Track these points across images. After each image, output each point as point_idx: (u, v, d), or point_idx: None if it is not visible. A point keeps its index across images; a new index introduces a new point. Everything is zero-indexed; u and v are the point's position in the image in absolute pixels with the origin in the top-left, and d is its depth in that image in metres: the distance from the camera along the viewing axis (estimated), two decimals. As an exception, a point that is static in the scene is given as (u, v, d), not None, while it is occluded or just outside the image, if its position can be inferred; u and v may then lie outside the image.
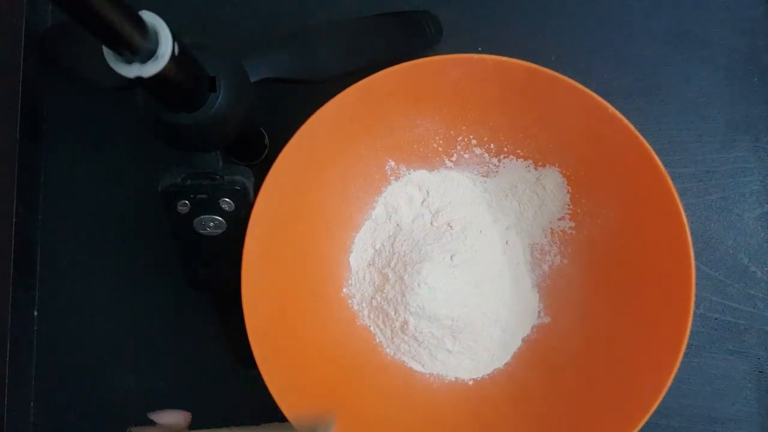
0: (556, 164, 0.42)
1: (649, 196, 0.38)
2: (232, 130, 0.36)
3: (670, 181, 0.37)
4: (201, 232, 0.40)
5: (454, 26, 0.46)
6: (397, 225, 0.44)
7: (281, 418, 0.37)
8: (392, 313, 0.42)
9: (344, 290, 0.44)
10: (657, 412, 0.36)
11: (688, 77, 0.47)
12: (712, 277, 0.46)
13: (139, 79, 0.27)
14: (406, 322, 0.41)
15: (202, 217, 0.39)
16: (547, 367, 0.42)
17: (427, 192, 0.44)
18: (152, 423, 0.33)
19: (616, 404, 0.38)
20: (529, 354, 0.43)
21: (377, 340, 0.43)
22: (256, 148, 0.45)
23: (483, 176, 0.44)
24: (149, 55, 0.27)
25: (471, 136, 0.43)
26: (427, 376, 0.43)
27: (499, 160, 0.44)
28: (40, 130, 0.48)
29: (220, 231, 0.40)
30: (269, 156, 0.45)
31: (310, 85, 0.41)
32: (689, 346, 0.40)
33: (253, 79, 0.38)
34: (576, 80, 0.38)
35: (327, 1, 0.48)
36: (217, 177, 0.38)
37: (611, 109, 0.38)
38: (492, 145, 0.43)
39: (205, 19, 0.48)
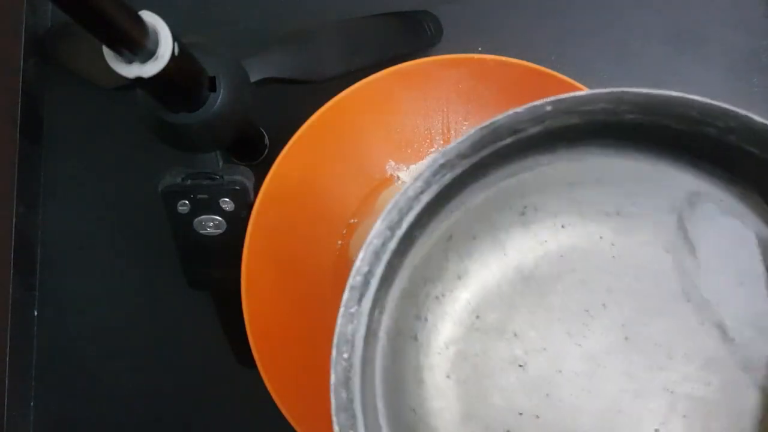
0: (556, 164, 0.42)
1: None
2: (232, 130, 0.36)
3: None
4: (201, 232, 0.40)
5: (454, 26, 0.46)
6: (397, 225, 0.44)
7: (281, 418, 0.37)
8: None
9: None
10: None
11: (688, 77, 0.47)
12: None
13: (139, 79, 0.27)
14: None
15: (202, 217, 0.39)
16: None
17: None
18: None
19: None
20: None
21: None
22: (256, 148, 0.45)
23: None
24: (149, 55, 0.27)
25: (471, 136, 0.43)
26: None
27: (499, 160, 0.44)
28: (41, 130, 0.48)
29: (220, 231, 0.40)
30: (269, 156, 0.45)
31: (310, 85, 0.41)
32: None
33: (253, 79, 0.38)
34: (576, 80, 0.38)
35: (327, 1, 0.48)
36: (217, 177, 0.38)
37: (611, 109, 0.38)
38: (492, 145, 0.43)
39: (205, 19, 0.48)
